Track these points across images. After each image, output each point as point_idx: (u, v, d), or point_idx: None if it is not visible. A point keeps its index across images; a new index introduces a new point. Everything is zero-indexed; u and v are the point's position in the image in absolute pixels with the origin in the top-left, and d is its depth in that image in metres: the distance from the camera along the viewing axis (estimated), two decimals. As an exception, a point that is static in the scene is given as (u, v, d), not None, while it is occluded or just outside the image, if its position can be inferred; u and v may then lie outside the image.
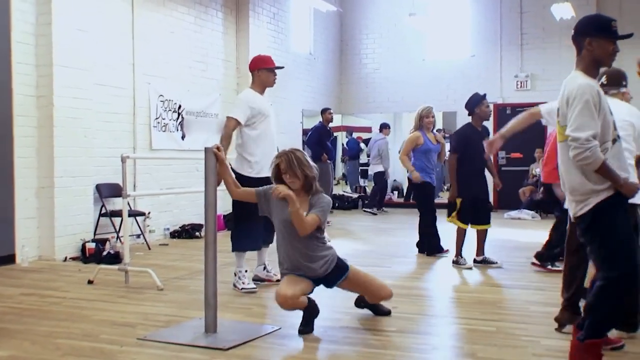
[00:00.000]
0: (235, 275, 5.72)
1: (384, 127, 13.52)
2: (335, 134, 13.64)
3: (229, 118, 5.70)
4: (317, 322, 4.70)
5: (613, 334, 4.14)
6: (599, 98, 3.30)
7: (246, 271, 5.73)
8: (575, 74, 3.45)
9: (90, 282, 5.99)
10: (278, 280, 5.93)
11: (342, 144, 15.39)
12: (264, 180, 5.23)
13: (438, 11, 14.13)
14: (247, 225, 5.62)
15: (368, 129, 15.46)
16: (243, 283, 5.63)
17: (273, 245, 5.39)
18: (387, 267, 6.93)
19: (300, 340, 4.07)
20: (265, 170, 5.41)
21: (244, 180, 5.21)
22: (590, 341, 3.30)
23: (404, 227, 10.79)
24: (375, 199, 13.37)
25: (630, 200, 3.42)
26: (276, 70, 5.93)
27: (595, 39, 3.38)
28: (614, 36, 3.40)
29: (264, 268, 6.02)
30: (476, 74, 13.50)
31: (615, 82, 4.41)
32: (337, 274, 4.45)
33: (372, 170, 13.58)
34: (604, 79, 4.37)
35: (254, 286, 5.67)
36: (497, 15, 13.62)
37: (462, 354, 3.95)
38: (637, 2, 12.20)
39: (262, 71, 5.84)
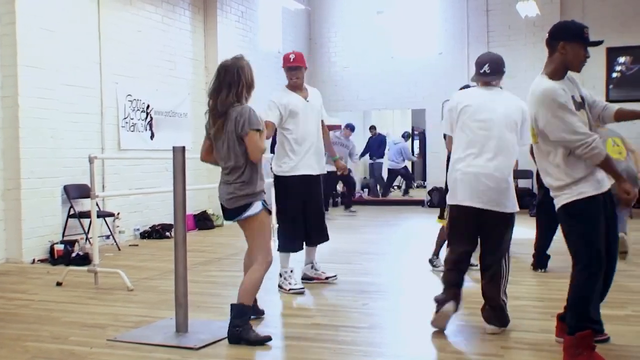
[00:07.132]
0: (280, 276, 5.52)
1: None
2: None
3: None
4: (288, 320, 4.75)
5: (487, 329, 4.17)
6: (565, 96, 3.45)
7: (292, 271, 5.51)
8: (540, 79, 3.59)
9: (59, 284, 5.93)
10: (327, 278, 5.82)
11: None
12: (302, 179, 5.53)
13: (406, 9, 14.21)
14: (285, 225, 5.59)
15: (338, 127, 15.49)
16: (289, 284, 5.45)
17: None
18: (358, 264, 6.98)
19: (272, 338, 4.08)
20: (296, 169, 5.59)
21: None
22: (581, 334, 3.41)
23: (374, 224, 10.88)
24: (388, 189, 15.88)
25: (599, 191, 3.46)
26: (290, 68, 5.82)
27: (569, 43, 3.54)
28: (586, 42, 3.56)
29: (312, 266, 5.87)
30: (444, 71, 13.61)
31: (499, 70, 4.36)
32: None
33: (392, 166, 15.87)
34: (486, 67, 4.31)
35: (302, 286, 5.48)
36: (464, 13, 13.76)
37: (432, 348, 4.01)
38: (599, 1, 12.43)
39: (284, 71, 5.81)
